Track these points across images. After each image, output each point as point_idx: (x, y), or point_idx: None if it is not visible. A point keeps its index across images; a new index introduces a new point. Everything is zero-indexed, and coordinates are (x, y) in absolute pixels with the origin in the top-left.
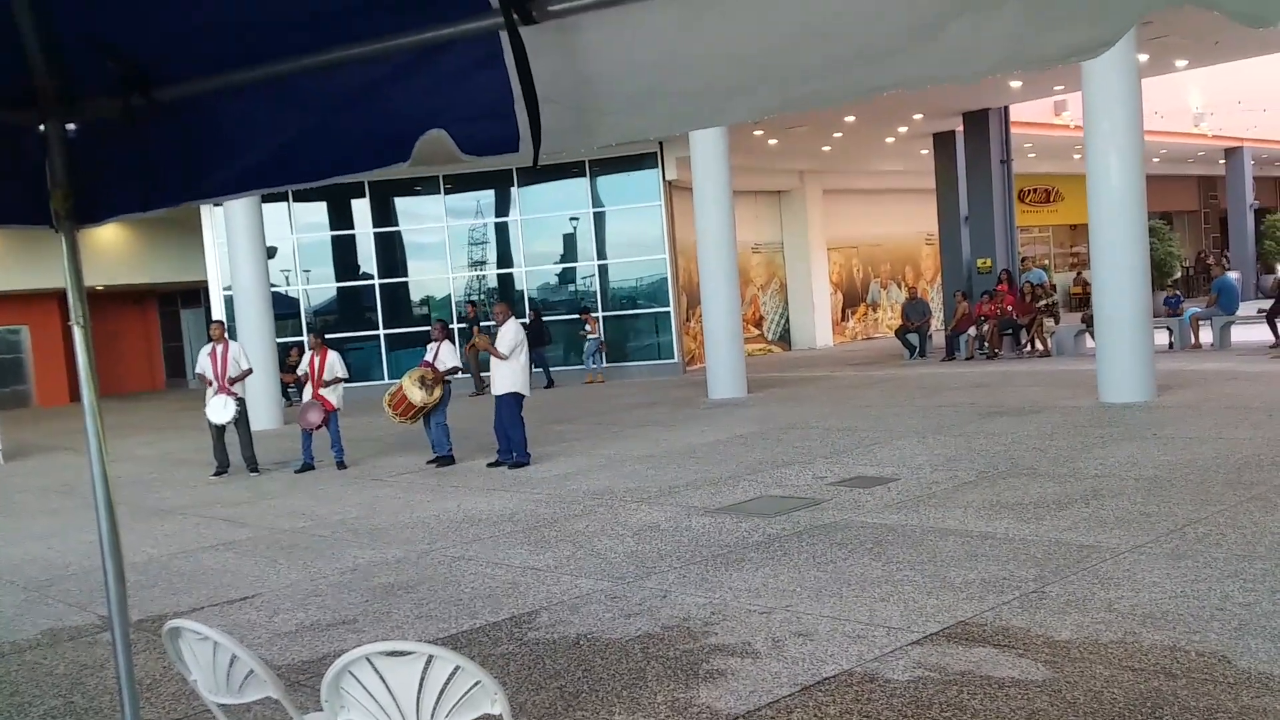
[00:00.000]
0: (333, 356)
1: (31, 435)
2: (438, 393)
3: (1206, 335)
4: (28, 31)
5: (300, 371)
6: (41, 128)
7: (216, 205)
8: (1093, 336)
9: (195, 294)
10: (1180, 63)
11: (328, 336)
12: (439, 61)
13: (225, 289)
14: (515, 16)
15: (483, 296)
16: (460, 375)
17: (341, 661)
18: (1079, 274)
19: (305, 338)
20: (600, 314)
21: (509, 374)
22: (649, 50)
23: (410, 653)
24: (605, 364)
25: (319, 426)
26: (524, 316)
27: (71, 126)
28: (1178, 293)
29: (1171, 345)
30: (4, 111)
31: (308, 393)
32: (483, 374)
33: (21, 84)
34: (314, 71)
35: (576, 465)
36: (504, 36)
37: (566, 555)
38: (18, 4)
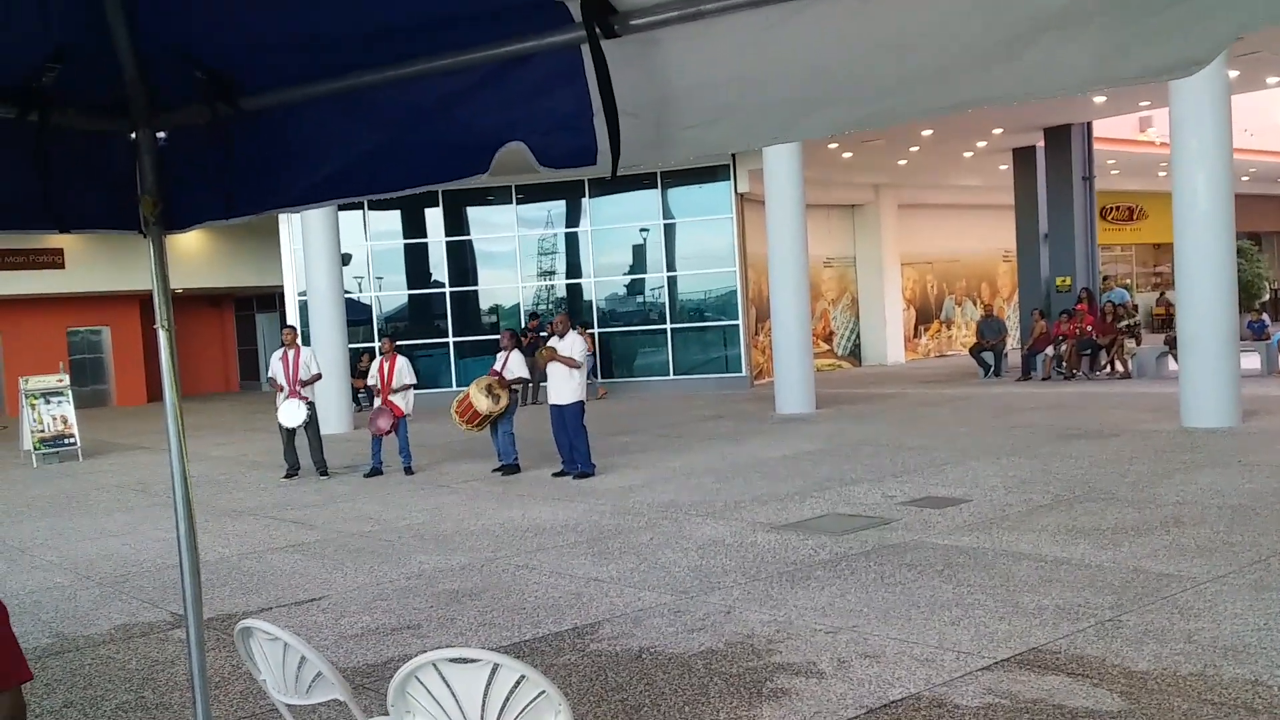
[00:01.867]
0: (401, 362)
1: (109, 434)
2: (504, 401)
3: None
4: (121, 42)
5: (370, 377)
6: (133, 136)
7: (297, 213)
8: (1175, 359)
9: (271, 298)
10: (1272, 79)
11: (399, 343)
12: (518, 74)
13: (300, 294)
14: (598, 30)
15: (549, 306)
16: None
17: (409, 667)
18: (1162, 294)
19: (377, 344)
20: (669, 325)
21: (573, 384)
22: (727, 64)
23: (476, 660)
24: (600, 379)
25: (388, 432)
26: (590, 328)
27: (162, 135)
28: (1264, 317)
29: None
30: (98, 119)
31: (378, 398)
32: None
33: (114, 93)
34: (395, 83)
35: (641, 477)
36: (585, 50)
37: (630, 567)
38: (112, 16)
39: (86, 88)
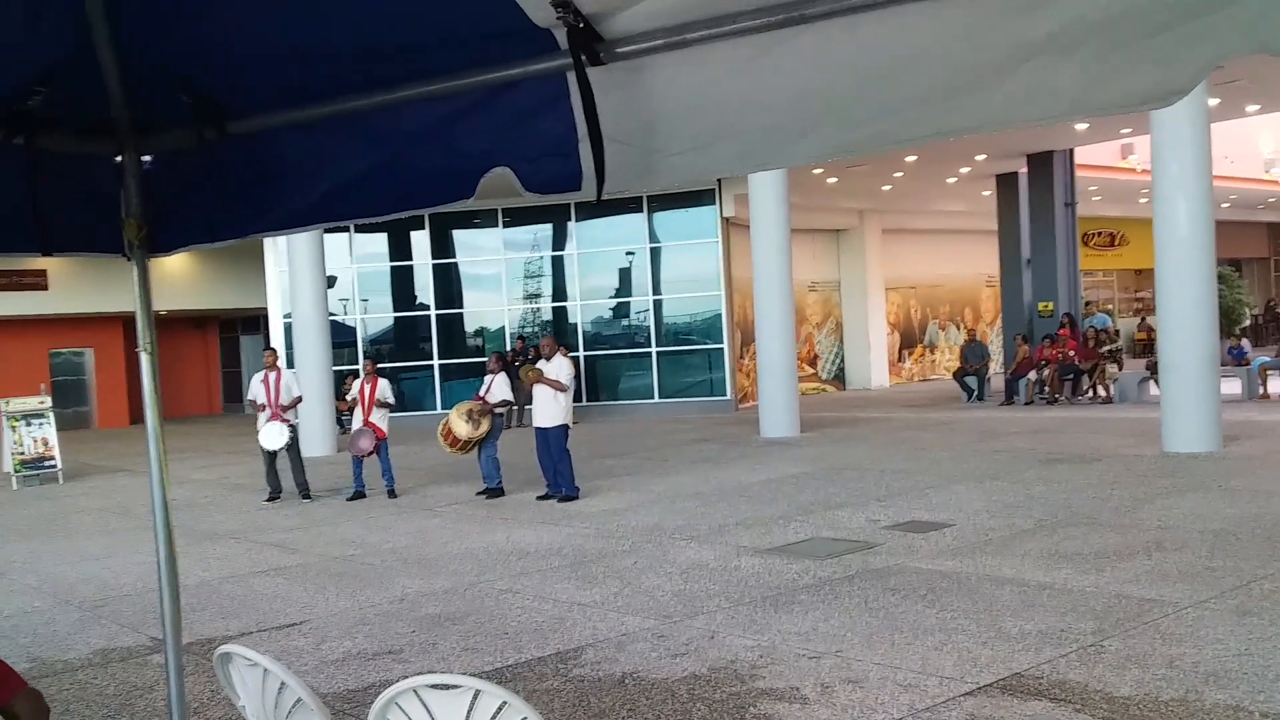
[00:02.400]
0: (383, 384)
1: (91, 456)
2: (485, 426)
3: (1276, 385)
4: (107, 66)
5: (350, 397)
6: (118, 159)
7: (282, 236)
8: (1157, 384)
9: (255, 320)
10: (1251, 108)
11: (383, 366)
12: (504, 100)
13: (285, 316)
14: (583, 58)
15: (535, 329)
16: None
17: (389, 693)
18: (1144, 319)
19: (360, 366)
20: (654, 349)
21: (557, 407)
22: (713, 92)
23: (458, 686)
24: (584, 401)
25: (370, 453)
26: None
27: (147, 158)
28: (1242, 343)
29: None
30: (83, 142)
31: (358, 419)
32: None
33: (100, 116)
34: (382, 108)
35: (625, 501)
36: (571, 77)
37: (614, 592)
38: (98, 37)
39: (72, 111)
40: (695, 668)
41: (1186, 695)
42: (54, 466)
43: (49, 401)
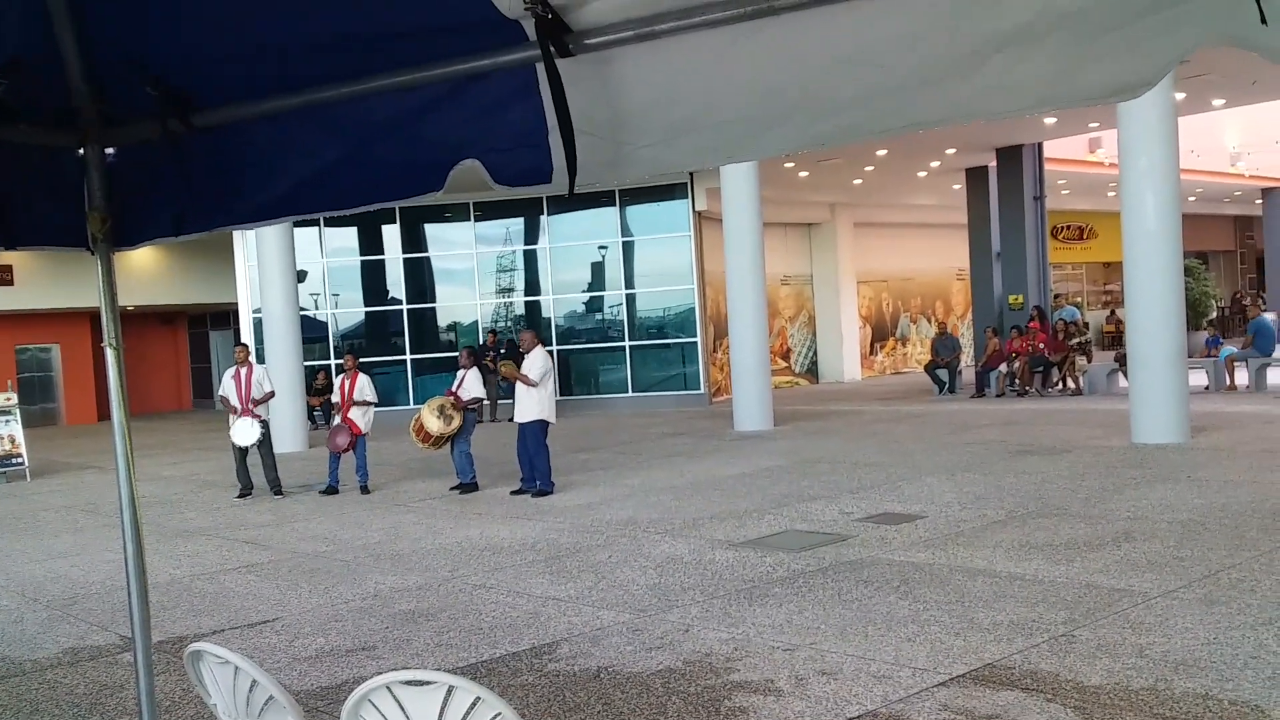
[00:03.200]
0: (363, 380)
1: (59, 453)
2: (456, 422)
3: (1242, 377)
4: (71, 55)
5: (332, 394)
6: (81, 151)
7: (250, 230)
8: (1126, 376)
9: (225, 316)
10: (1218, 102)
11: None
12: (474, 92)
13: (255, 311)
14: (552, 49)
15: (508, 324)
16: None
17: (362, 690)
18: (1112, 312)
19: (332, 361)
20: (627, 343)
21: (535, 401)
22: (684, 84)
23: (431, 682)
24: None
25: (346, 449)
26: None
27: (110, 151)
28: (1219, 333)
29: (1208, 387)
30: (46, 133)
31: (337, 415)
32: (501, 403)
33: (63, 107)
34: (350, 100)
35: (600, 495)
36: (540, 69)
37: (588, 586)
38: (61, 29)
39: (35, 103)
40: (670, 661)
41: (1156, 684)
42: (21, 464)
43: (15, 398)
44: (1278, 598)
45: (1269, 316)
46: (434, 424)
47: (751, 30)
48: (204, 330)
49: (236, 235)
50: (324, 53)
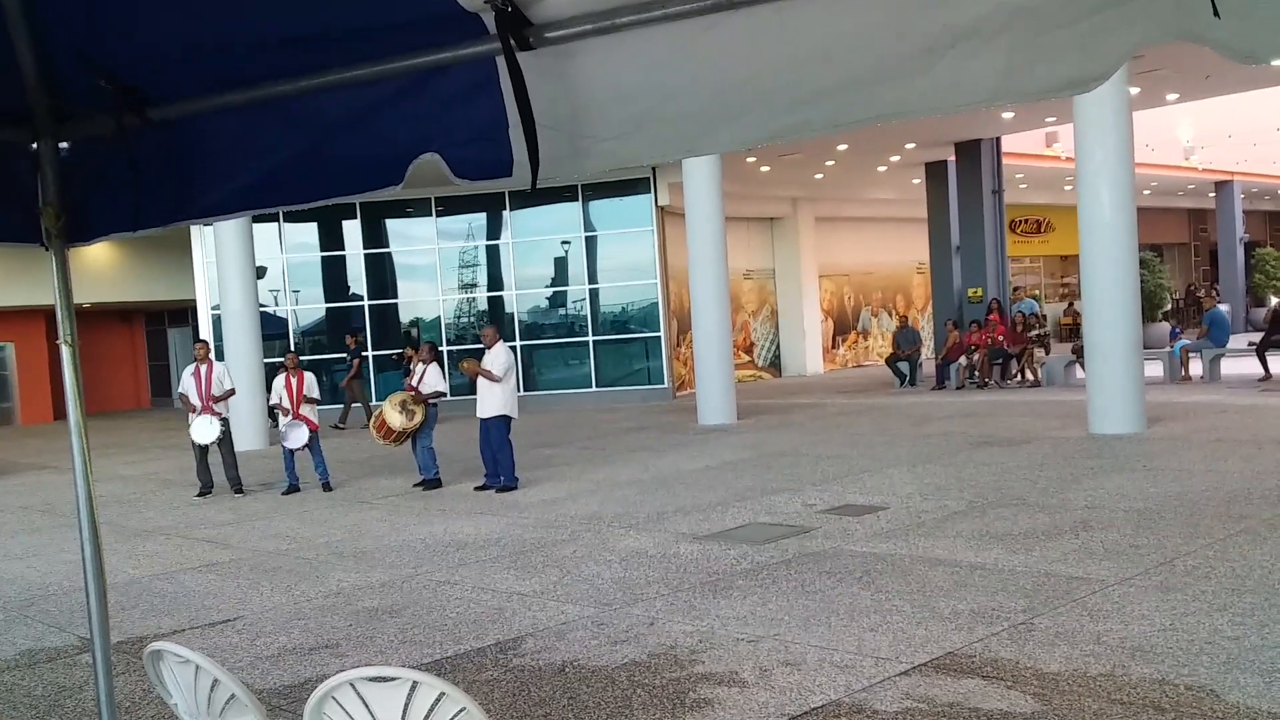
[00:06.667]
0: (310, 377)
1: (14, 453)
2: (419, 416)
3: (1196, 368)
4: (23, 50)
5: (274, 394)
6: (34, 146)
7: (207, 225)
8: (1083, 367)
9: (183, 313)
10: (1171, 96)
11: (316, 358)
12: (433, 86)
13: (214, 309)
14: (512, 42)
15: (471, 319)
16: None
17: (325, 687)
18: (1070, 304)
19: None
20: (591, 338)
21: (498, 397)
22: (644, 77)
23: (395, 679)
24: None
25: (303, 447)
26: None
27: (64, 145)
28: (1178, 324)
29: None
30: None
31: (286, 415)
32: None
33: (15, 102)
34: (309, 94)
35: (564, 490)
36: (500, 62)
37: (553, 581)
38: (13, 23)
39: None
40: (635, 654)
41: (1113, 670)
42: None
43: None
44: (1232, 584)
45: (1223, 308)
46: (396, 419)
47: (710, 25)
48: (162, 328)
49: (194, 231)
50: (282, 47)
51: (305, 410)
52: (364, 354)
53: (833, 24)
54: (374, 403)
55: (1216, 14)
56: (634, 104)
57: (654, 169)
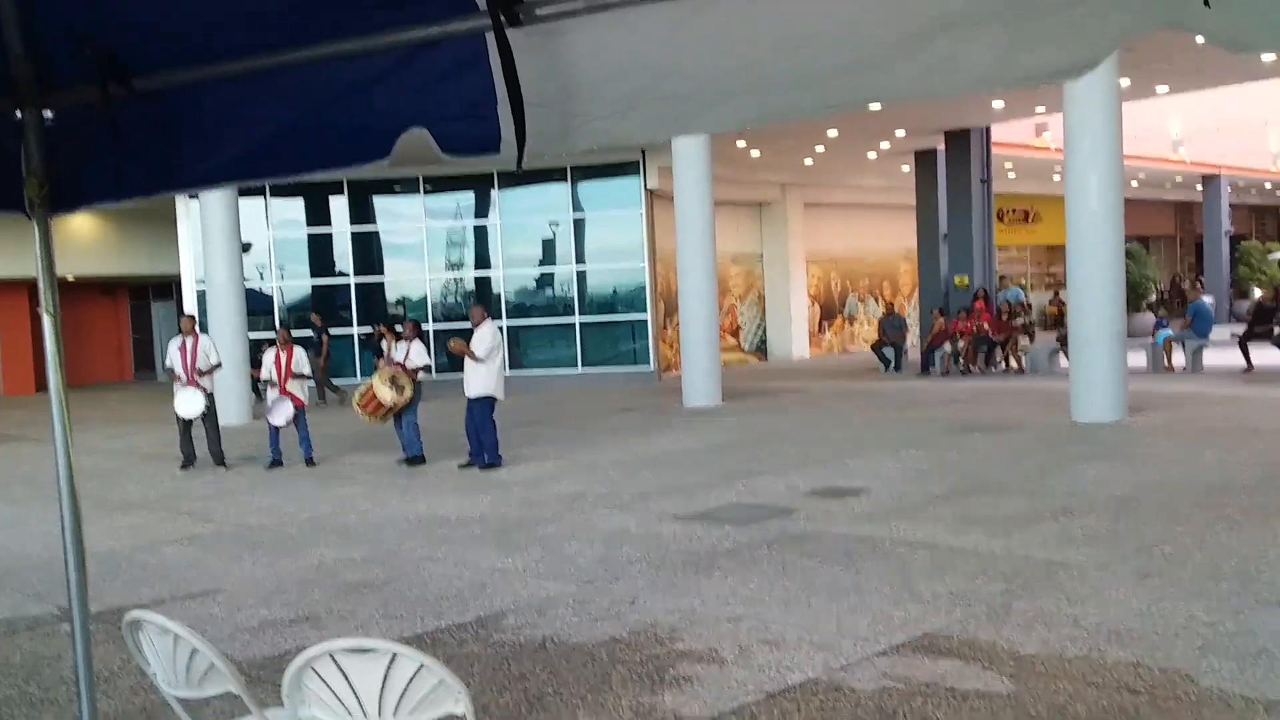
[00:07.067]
0: (300, 353)
1: None
2: (408, 392)
3: (1179, 358)
4: (8, 18)
5: (265, 370)
6: (18, 114)
7: (192, 197)
8: (1067, 355)
9: (167, 287)
10: (1161, 88)
11: (301, 334)
12: (423, 60)
13: (198, 283)
14: (502, 18)
15: (459, 299)
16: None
17: (304, 657)
18: (1055, 294)
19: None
20: (578, 319)
21: (483, 377)
22: (634, 56)
23: (374, 650)
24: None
25: (287, 424)
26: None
27: (48, 114)
28: (1164, 315)
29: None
30: None
31: (274, 390)
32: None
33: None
34: (296, 66)
35: (548, 469)
36: (490, 38)
37: (535, 558)
38: None
39: None
40: (615, 631)
41: (1090, 653)
42: None
43: None
44: (1209, 571)
45: (1207, 300)
46: (386, 394)
47: (702, 5)
48: (146, 301)
49: (180, 206)
50: (272, 18)
51: (292, 385)
52: (329, 333)
53: (826, 6)
54: (358, 379)
55: (1206, 2)
56: (625, 83)
57: (644, 151)
